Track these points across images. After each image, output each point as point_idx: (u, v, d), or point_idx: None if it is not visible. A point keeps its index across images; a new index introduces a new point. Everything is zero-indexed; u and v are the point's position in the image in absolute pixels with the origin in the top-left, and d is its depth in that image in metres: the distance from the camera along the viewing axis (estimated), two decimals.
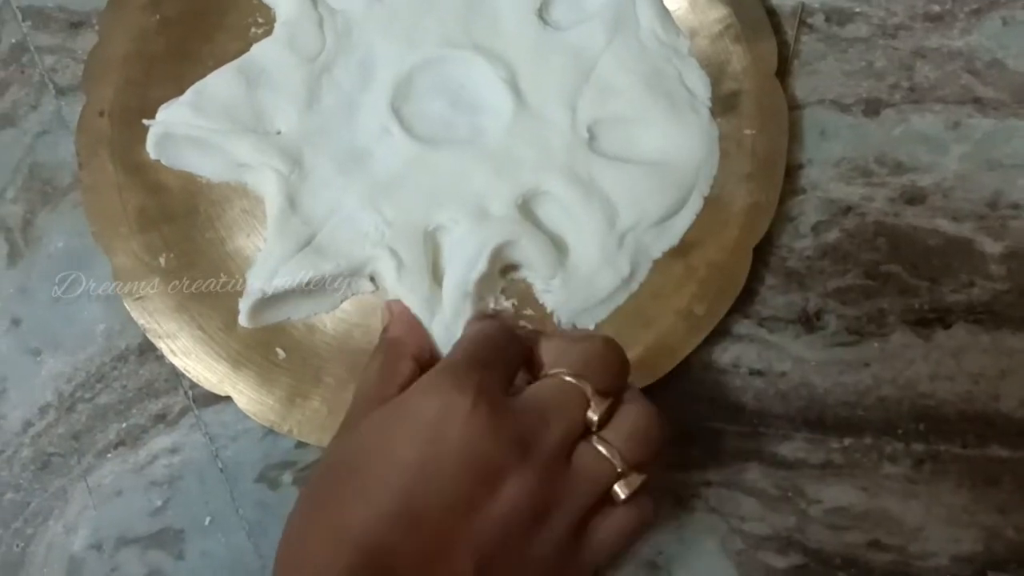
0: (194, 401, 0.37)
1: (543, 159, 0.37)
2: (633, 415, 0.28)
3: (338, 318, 0.37)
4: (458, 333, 0.34)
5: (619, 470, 0.27)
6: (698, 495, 0.36)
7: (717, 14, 0.40)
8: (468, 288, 0.35)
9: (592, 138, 0.38)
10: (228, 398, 0.36)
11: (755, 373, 0.36)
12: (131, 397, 0.37)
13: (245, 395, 0.36)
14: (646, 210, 0.37)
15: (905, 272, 0.37)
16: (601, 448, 0.27)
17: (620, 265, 0.36)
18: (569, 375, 0.28)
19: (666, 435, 0.28)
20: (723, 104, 0.39)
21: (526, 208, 0.37)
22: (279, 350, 0.36)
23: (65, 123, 0.40)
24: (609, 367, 0.29)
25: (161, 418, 0.37)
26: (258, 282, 0.36)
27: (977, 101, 0.39)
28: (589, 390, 0.27)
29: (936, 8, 0.40)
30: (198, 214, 0.38)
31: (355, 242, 0.36)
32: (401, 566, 0.24)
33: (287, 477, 0.36)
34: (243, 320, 0.36)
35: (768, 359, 0.37)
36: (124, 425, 0.37)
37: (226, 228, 0.38)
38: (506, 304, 0.37)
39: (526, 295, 0.37)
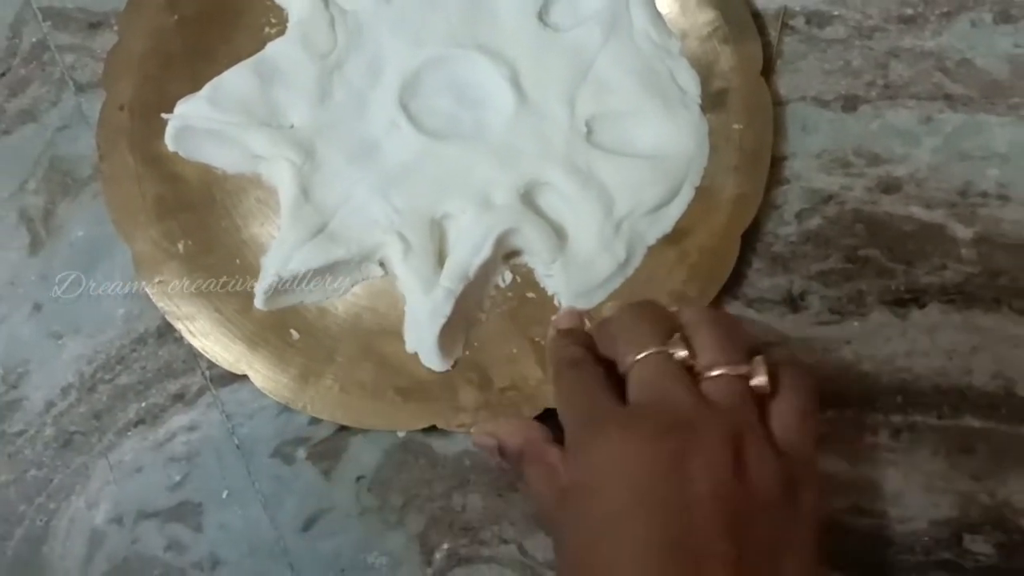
0: (211, 381, 0.39)
1: (543, 151, 0.39)
2: (706, 325, 0.29)
3: (348, 301, 0.39)
4: (447, 313, 0.36)
5: (744, 372, 0.28)
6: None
7: (706, 17, 0.42)
8: (469, 272, 0.37)
9: (590, 132, 0.40)
10: (244, 377, 0.37)
11: None
12: (150, 378, 0.39)
13: (261, 374, 0.37)
14: (641, 199, 0.39)
15: (882, 256, 0.40)
16: (718, 372, 0.28)
17: (617, 251, 0.38)
18: (643, 354, 0.28)
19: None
20: (712, 101, 0.41)
21: (528, 198, 0.39)
22: (293, 331, 0.38)
23: (84, 118, 0.42)
24: (648, 317, 0.30)
25: (179, 397, 0.39)
26: (273, 267, 0.38)
27: (948, 97, 0.41)
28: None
29: (909, 11, 0.43)
30: (215, 203, 0.40)
31: (366, 229, 0.38)
32: None
33: (301, 452, 0.38)
34: (258, 303, 0.38)
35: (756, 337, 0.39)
36: (143, 404, 0.38)
37: (242, 217, 0.40)
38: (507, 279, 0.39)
39: (528, 278, 0.39)
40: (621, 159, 0.40)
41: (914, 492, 0.37)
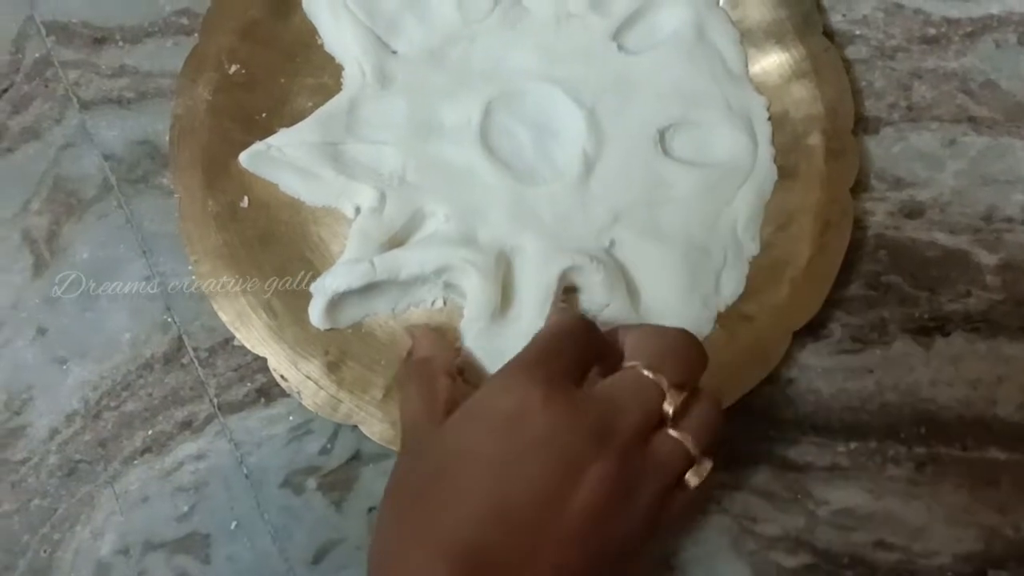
0: (219, 408, 0.38)
1: (617, 202, 0.38)
2: (704, 408, 0.29)
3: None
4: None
5: (693, 457, 0.28)
6: (711, 498, 0.37)
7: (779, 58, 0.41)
8: (545, 311, 0.36)
9: (662, 140, 0.39)
10: (253, 404, 0.37)
11: (765, 380, 0.38)
12: (157, 405, 0.38)
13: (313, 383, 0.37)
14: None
15: (905, 283, 0.39)
16: (677, 436, 0.28)
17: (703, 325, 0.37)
18: (646, 368, 0.28)
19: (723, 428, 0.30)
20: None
21: (599, 242, 0.38)
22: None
23: (89, 136, 0.41)
24: (685, 361, 0.29)
25: (187, 425, 0.38)
26: (326, 281, 0.36)
27: (972, 120, 0.41)
28: (665, 384, 0.28)
29: (932, 31, 0.42)
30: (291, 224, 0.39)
31: (437, 250, 0.37)
32: (497, 564, 0.25)
33: (311, 483, 0.37)
34: (314, 320, 0.37)
35: (777, 367, 0.38)
36: (150, 432, 0.38)
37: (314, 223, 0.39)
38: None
39: None
40: (697, 170, 0.39)
41: (938, 526, 0.36)
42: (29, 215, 0.40)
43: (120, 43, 0.42)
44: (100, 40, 0.43)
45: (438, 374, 0.33)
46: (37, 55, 0.42)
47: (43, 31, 0.43)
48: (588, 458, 0.26)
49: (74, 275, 0.39)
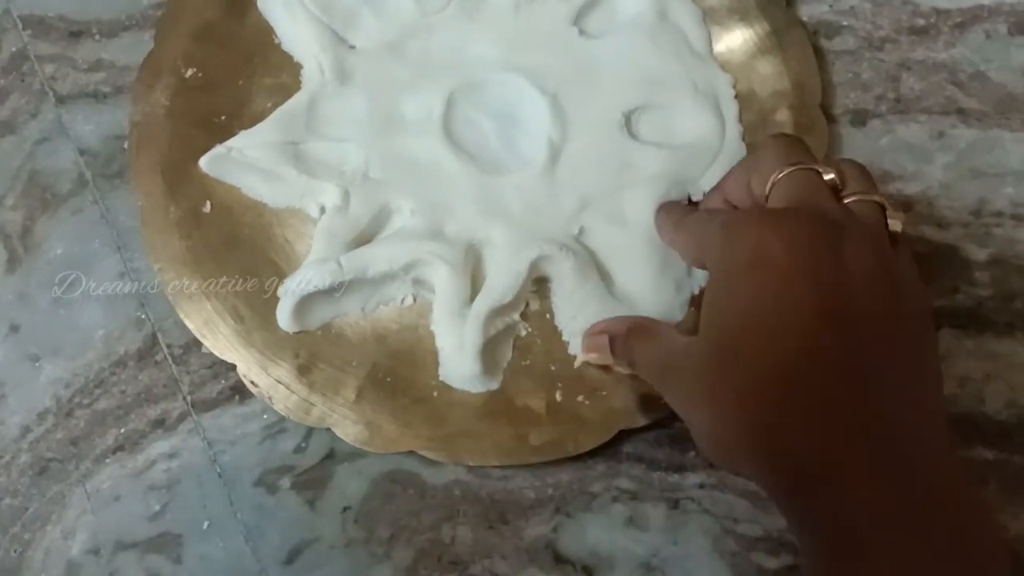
0: (192, 406, 0.37)
1: (583, 192, 0.37)
2: (848, 167, 0.30)
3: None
4: (477, 343, 0.35)
5: (881, 204, 0.29)
6: (692, 498, 0.36)
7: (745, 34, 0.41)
8: (505, 299, 0.35)
9: (628, 122, 0.38)
10: (227, 401, 0.37)
11: None
12: (129, 402, 0.37)
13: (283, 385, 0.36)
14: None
15: None
16: (853, 198, 0.28)
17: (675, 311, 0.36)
18: (791, 168, 0.29)
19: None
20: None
21: (568, 230, 0.37)
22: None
23: (64, 130, 0.41)
24: (797, 148, 0.30)
25: (160, 423, 0.37)
26: (292, 283, 0.36)
27: (961, 112, 0.40)
28: (817, 167, 0.29)
29: (921, 22, 0.41)
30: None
31: (404, 246, 0.36)
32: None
33: (285, 481, 0.36)
34: (282, 323, 0.36)
35: None
36: (123, 430, 0.37)
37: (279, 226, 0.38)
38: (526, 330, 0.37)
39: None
40: (662, 151, 0.38)
41: None
42: (3, 210, 0.40)
43: (97, 37, 0.42)
44: (76, 34, 0.42)
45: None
46: (13, 49, 0.42)
47: (19, 24, 0.42)
48: (836, 246, 0.26)
49: (74, 275, 0.39)
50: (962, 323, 0.37)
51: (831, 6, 0.41)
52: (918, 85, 0.40)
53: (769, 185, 0.29)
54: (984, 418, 0.36)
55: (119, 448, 0.37)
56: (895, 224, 0.28)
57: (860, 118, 0.40)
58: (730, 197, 0.32)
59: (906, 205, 0.39)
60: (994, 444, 0.36)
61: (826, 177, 0.29)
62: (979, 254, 0.38)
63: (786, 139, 0.31)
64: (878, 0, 0.41)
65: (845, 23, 0.41)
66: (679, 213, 0.34)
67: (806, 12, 0.42)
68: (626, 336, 0.33)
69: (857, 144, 0.40)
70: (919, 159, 0.39)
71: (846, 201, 0.28)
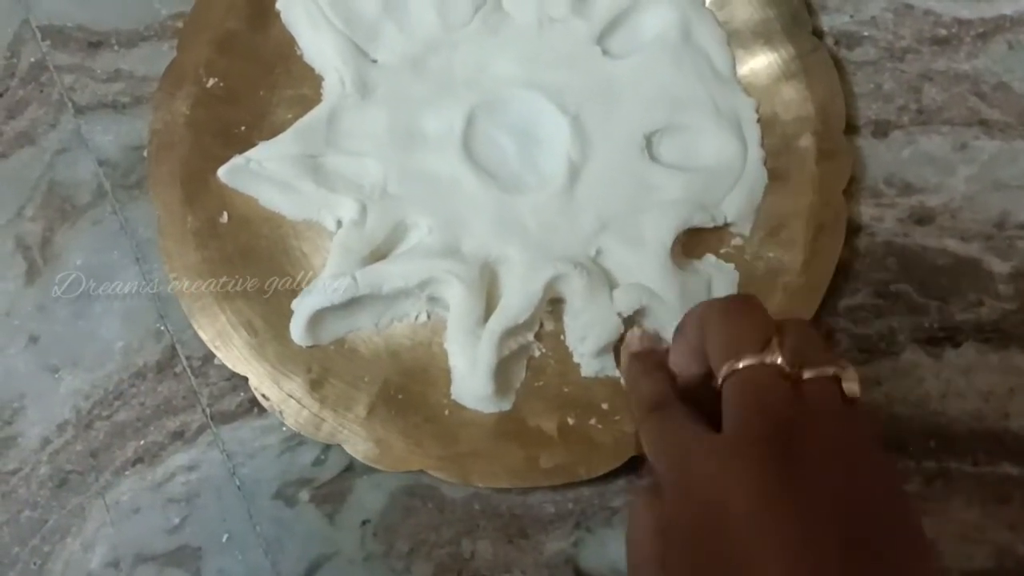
0: (212, 419, 0.37)
1: (601, 213, 0.37)
2: (793, 338, 0.27)
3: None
4: (491, 362, 0.34)
5: (838, 374, 0.27)
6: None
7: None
8: (520, 319, 0.35)
9: (650, 145, 0.38)
10: (247, 414, 0.36)
11: None
12: (149, 414, 0.37)
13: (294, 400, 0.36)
14: None
15: (915, 291, 0.38)
16: (816, 373, 0.26)
17: None
18: (720, 370, 0.27)
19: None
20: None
21: (585, 252, 0.37)
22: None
23: (84, 141, 0.41)
24: (744, 324, 0.28)
25: (179, 435, 0.37)
26: (311, 296, 0.36)
27: (983, 123, 0.40)
28: (766, 357, 0.27)
29: (943, 32, 0.41)
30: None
31: (420, 263, 0.36)
32: None
33: (304, 494, 0.36)
34: (296, 337, 0.36)
35: None
36: (142, 442, 0.37)
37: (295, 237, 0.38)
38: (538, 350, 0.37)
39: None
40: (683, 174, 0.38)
41: (948, 543, 0.35)
42: (23, 221, 0.40)
43: (115, 47, 0.42)
44: (95, 44, 0.42)
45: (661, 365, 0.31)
46: (32, 59, 0.42)
47: (38, 35, 0.42)
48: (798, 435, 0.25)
49: (74, 275, 0.39)
50: (986, 337, 0.37)
51: (852, 16, 0.41)
52: (940, 96, 0.40)
53: (720, 379, 0.28)
54: (1009, 434, 0.36)
55: (138, 460, 0.37)
56: (851, 388, 0.27)
57: (882, 129, 0.40)
58: (678, 368, 0.30)
59: (928, 217, 0.39)
60: (1019, 461, 0.36)
61: (776, 362, 0.27)
62: (1002, 267, 0.38)
63: (734, 311, 0.28)
64: (899, 11, 0.41)
65: (866, 33, 0.41)
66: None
67: (827, 23, 0.41)
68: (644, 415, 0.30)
69: (879, 156, 0.39)
70: (941, 171, 0.39)
71: (804, 379, 0.27)
